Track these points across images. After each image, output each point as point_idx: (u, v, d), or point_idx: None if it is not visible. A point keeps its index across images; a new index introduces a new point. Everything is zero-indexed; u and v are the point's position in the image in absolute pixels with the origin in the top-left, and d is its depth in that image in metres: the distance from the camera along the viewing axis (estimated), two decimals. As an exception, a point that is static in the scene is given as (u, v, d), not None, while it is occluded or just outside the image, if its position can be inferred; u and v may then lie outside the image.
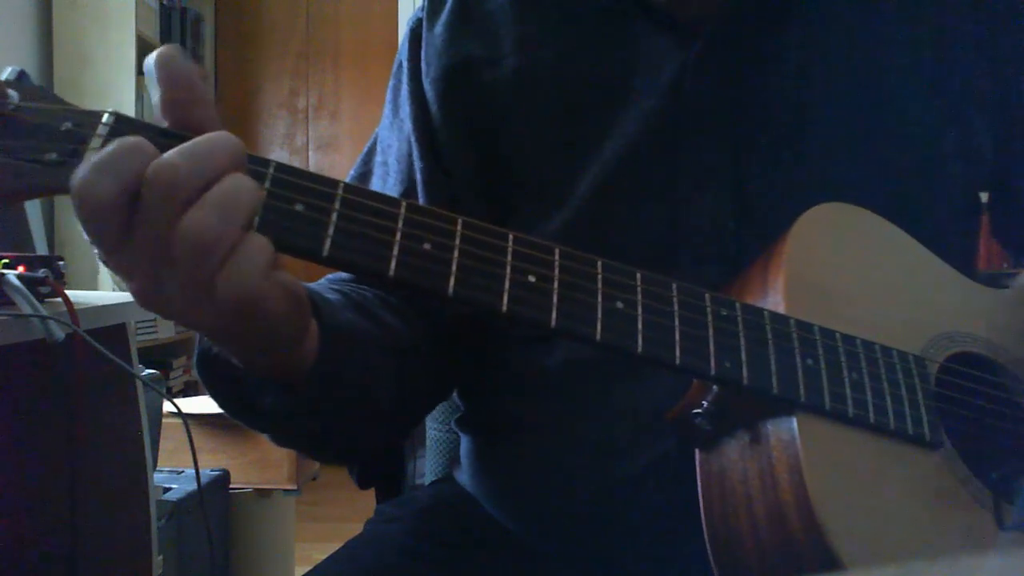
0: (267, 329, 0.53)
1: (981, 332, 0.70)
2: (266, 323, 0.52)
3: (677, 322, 0.58)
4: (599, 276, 0.57)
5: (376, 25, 4.28)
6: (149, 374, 1.80)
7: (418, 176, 0.80)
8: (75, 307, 1.20)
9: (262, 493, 2.30)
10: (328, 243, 0.51)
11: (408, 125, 0.81)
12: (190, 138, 0.50)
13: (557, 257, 0.56)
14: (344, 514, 2.46)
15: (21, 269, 1.19)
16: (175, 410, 1.46)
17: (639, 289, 0.58)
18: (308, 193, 0.51)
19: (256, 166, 0.51)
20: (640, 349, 0.56)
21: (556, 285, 0.55)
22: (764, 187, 0.73)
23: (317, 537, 2.58)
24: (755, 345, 0.59)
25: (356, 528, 0.90)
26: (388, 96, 0.86)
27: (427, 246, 0.53)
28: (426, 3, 0.83)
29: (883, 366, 0.63)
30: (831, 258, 0.67)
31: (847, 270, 0.67)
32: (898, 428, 0.62)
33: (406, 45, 0.83)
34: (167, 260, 0.49)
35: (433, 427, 1.01)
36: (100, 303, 1.40)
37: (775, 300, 0.63)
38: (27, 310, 1.13)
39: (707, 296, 0.60)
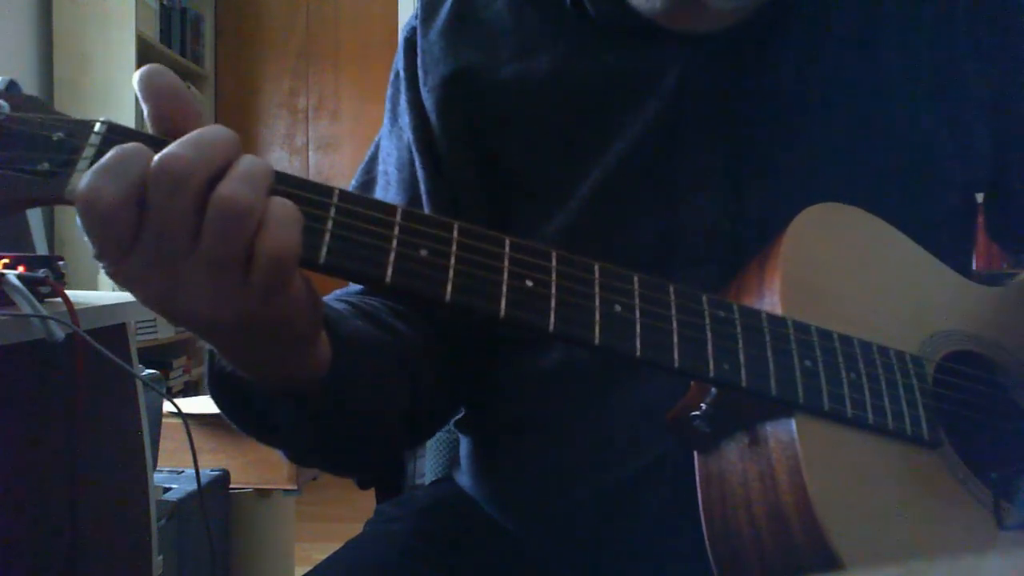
0: (289, 317, 0.53)
1: (978, 330, 0.70)
2: (289, 309, 0.52)
3: (675, 325, 0.58)
4: (596, 280, 0.57)
5: (376, 25, 4.28)
6: (149, 374, 1.80)
7: (421, 186, 0.80)
8: (75, 307, 1.20)
9: (262, 493, 2.30)
10: (324, 250, 0.51)
11: (408, 134, 0.81)
12: None
13: (554, 261, 0.56)
14: (344, 514, 2.45)
15: (21, 269, 1.19)
16: (175, 410, 1.46)
17: (637, 292, 0.58)
18: (304, 201, 0.52)
19: None
20: (638, 352, 0.56)
21: (554, 289, 0.56)
22: (762, 189, 0.73)
23: (317, 537, 2.57)
24: (753, 347, 0.59)
25: (356, 528, 0.90)
26: (387, 104, 0.86)
27: (424, 252, 0.53)
28: (419, 10, 0.83)
29: (880, 366, 0.63)
30: (827, 258, 0.67)
31: (843, 270, 0.67)
32: (896, 428, 0.62)
33: (401, 54, 0.83)
34: (186, 251, 0.49)
35: (433, 427, 1.00)
36: (100, 303, 1.40)
37: (771, 301, 0.63)
38: (27, 310, 1.13)
39: (704, 298, 0.60)
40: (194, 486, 1.82)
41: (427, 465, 1.02)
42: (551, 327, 0.55)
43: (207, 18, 4.31)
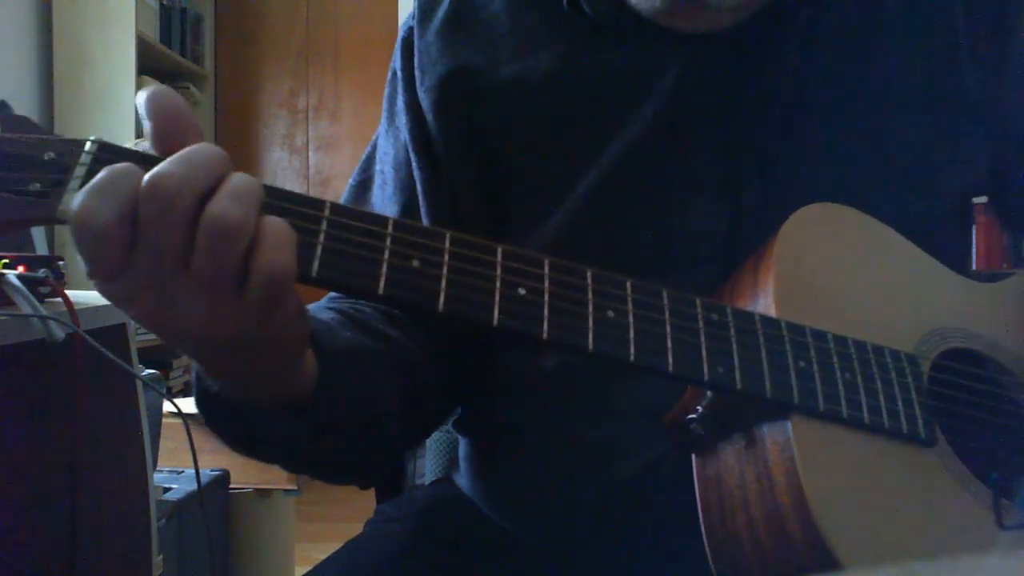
0: (279, 335, 0.53)
1: (973, 327, 0.70)
2: (281, 327, 0.53)
3: (669, 329, 0.58)
4: (589, 286, 0.57)
5: (376, 25, 4.28)
6: (149, 374, 1.80)
7: (418, 187, 0.80)
8: (75, 307, 1.20)
9: (262, 493, 2.30)
10: (317, 264, 0.51)
11: (404, 135, 0.81)
12: None
13: (547, 269, 0.56)
14: (344, 514, 2.45)
15: (21, 269, 1.19)
16: (175, 410, 1.46)
17: (629, 298, 0.58)
18: (295, 215, 0.52)
19: None
20: (632, 358, 0.56)
21: (546, 297, 0.56)
22: (758, 192, 0.73)
23: (317, 537, 2.58)
24: (747, 349, 0.59)
25: (356, 528, 0.90)
26: (384, 104, 0.86)
27: (416, 263, 0.53)
28: (416, 10, 0.83)
29: (875, 365, 0.63)
30: (821, 258, 0.67)
31: (837, 269, 0.67)
32: (892, 427, 0.62)
33: (398, 54, 0.83)
34: (178, 270, 0.49)
35: (432, 427, 1.01)
36: (100, 303, 1.40)
37: (766, 302, 0.63)
38: (27, 310, 1.13)
39: (698, 302, 0.60)
40: (194, 486, 1.83)
41: (427, 465, 1.02)
42: (544, 335, 0.55)
43: (207, 18, 4.31)
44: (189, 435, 1.42)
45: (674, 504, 0.68)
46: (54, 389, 1.31)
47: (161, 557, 1.70)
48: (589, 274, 0.57)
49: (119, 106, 3.27)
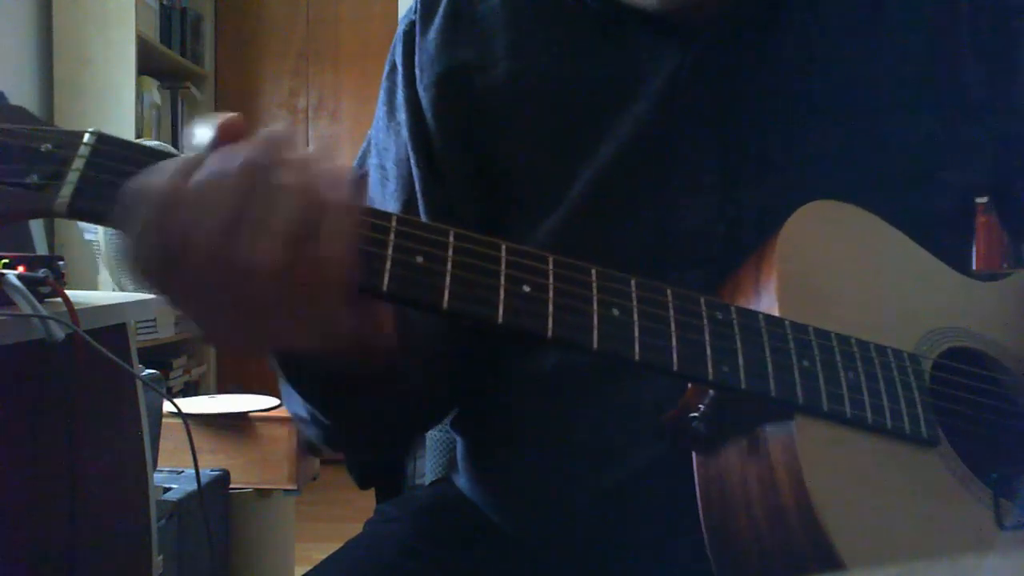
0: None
1: (976, 326, 0.70)
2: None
3: (673, 328, 0.58)
4: (594, 284, 0.57)
5: (376, 25, 4.28)
6: (149, 374, 1.80)
7: (416, 185, 0.80)
8: (75, 307, 1.20)
9: (262, 493, 2.30)
10: None
11: (404, 132, 0.81)
12: (175, 154, 0.50)
13: (551, 266, 0.56)
14: (344, 514, 2.46)
15: (21, 269, 1.19)
16: (175, 410, 1.46)
17: (634, 296, 0.57)
18: None
19: None
20: (637, 356, 0.56)
21: (551, 294, 0.55)
22: (755, 191, 0.73)
23: (317, 537, 2.57)
24: (752, 349, 0.59)
25: (356, 528, 0.90)
26: (382, 97, 0.85)
27: (420, 259, 0.53)
28: (419, 7, 0.83)
29: (878, 365, 0.63)
30: (823, 256, 0.66)
31: (839, 268, 0.67)
32: (895, 427, 0.62)
33: (399, 47, 0.83)
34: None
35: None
36: (100, 303, 1.40)
37: (768, 301, 0.63)
38: (27, 310, 1.13)
39: (702, 301, 0.60)
40: (194, 486, 1.83)
41: (427, 465, 1.02)
42: (549, 333, 0.54)
43: (207, 18, 4.31)
44: (189, 435, 1.42)
45: (673, 504, 0.68)
46: (54, 389, 1.31)
47: (161, 557, 1.70)
48: (593, 272, 0.57)
49: (119, 106, 3.26)
